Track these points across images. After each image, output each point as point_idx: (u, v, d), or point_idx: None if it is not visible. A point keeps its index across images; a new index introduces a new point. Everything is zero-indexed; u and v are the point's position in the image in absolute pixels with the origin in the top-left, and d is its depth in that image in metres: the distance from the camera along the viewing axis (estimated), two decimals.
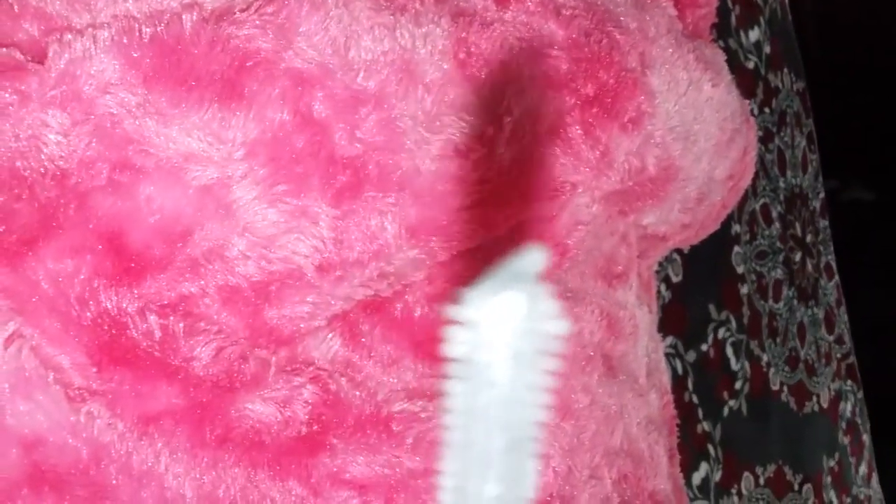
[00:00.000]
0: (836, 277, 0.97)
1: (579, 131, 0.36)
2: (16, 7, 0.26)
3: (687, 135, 0.42)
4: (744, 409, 0.77)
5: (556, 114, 0.36)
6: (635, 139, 0.39)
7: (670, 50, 0.41)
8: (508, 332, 0.11)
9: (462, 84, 0.33)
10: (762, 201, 0.83)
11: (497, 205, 0.35)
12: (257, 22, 0.28)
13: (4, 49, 0.25)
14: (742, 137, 0.49)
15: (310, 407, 0.29)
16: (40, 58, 0.26)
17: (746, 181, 0.53)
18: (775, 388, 0.83)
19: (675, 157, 0.42)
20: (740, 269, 0.78)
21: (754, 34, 0.82)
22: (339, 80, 0.30)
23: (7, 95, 0.25)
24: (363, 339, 0.33)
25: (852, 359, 0.97)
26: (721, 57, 0.47)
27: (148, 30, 0.26)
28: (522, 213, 0.36)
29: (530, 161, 0.35)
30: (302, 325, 0.30)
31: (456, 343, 0.11)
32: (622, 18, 0.40)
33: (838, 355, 0.96)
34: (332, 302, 0.31)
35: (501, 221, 0.35)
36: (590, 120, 0.37)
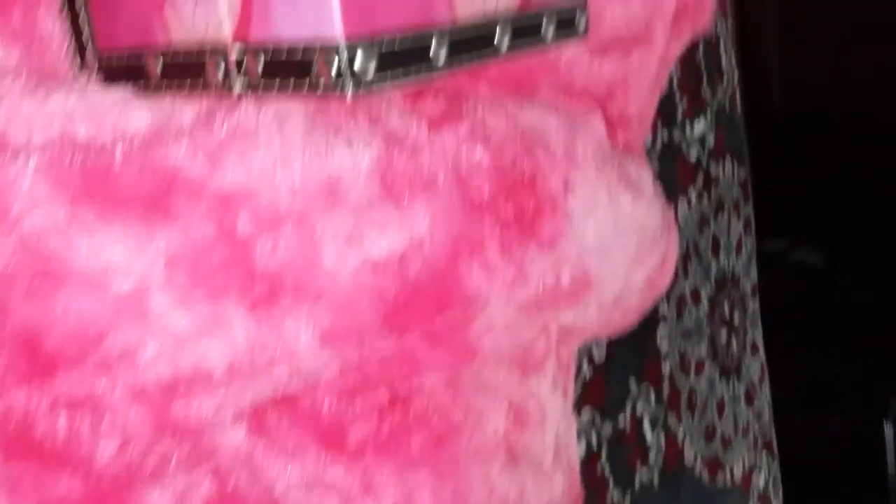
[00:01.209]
0: (761, 354, 1.00)
1: (497, 249, 0.38)
2: None
3: (603, 250, 0.44)
4: (655, 481, 0.79)
5: (475, 233, 0.37)
6: (550, 257, 0.41)
7: (593, 172, 0.43)
8: None
9: (385, 204, 0.35)
10: (692, 283, 0.86)
11: (410, 314, 0.36)
12: (189, 147, 0.29)
13: None
14: (661, 247, 0.51)
15: (205, 500, 0.31)
16: None
17: (664, 286, 0.55)
18: (689, 460, 0.85)
19: (589, 270, 0.44)
20: (664, 348, 0.80)
21: (699, 126, 0.85)
22: (265, 200, 0.31)
23: None
24: (269, 431, 0.35)
25: (770, 433, 1.00)
26: (647, 173, 0.49)
27: (79, 156, 0.27)
28: (435, 321, 0.38)
29: (446, 276, 0.37)
30: (207, 422, 0.32)
31: None
32: (551, 142, 0.42)
33: (756, 429, 0.99)
34: (240, 400, 0.33)
35: (413, 327, 0.37)
36: (508, 239, 0.38)
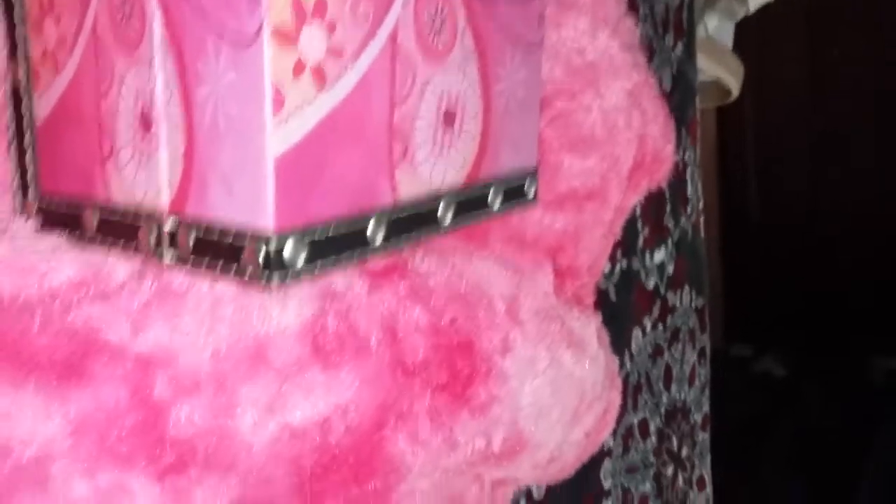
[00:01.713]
0: (708, 490, 1.01)
1: (426, 416, 0.38)
2: None
3: (540, 411, 0.45)
4: None
5: (404, 399, 0.38)
6: (482, 422, 0.41)
7: (534, 331, 0.44)
8: None
9: (314, 366, 0.35)
10: (641, 416, 0.87)
11: (329, 483, 0.36)
12: (113, 308, 0.30)
13: None
14: (602, 402, 0.52)
15: None
16: None
17: (603, 437, 0.56)
18: None
19: (523, 433, 0.44)
20: (607, 484, 0.81)
21: (659, 255, 0.87)
22: (187, 364, 0.31)
23: None
24: None
25: None
26: (591, 327, 0.50)
27: None
28: (355, 489, 0.38)
29: (368, 445, 0.37)
30: None
31: None
32: (494, 301, 0.43)
33: None
34: None
35: (330, 497, 0.37)
36: (438, 406, 0.39)
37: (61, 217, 0.31)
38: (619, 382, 0.55)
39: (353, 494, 0.38)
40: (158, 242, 0.28)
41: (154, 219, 0.28)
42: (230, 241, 0.27)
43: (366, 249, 0.29)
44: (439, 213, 0.33)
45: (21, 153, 0.32)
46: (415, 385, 0.38)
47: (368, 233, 0.29)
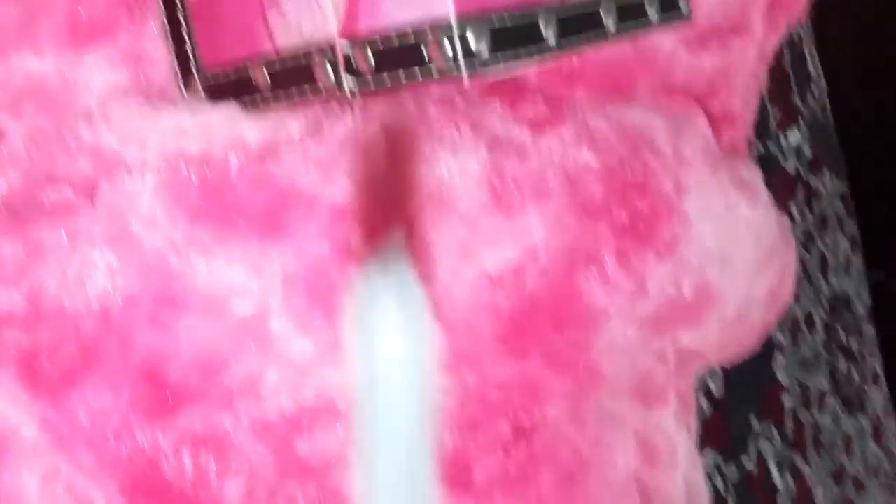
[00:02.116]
0: (884, 385, 0.96)
1: (614, 259, 0.38)
2: (72, 143, 0.29)
3: (724, 258, 0.43)
4: None
5: (590, 241, 0.37)
6: (670, 265, 0.40)
7: (706, 173, 0.43)
8: (393, 312, 0.11)
9: (497, 213, 0.35)
10: (805, 308, 0.83)
11: (529, 333, 0.36)
12: (300, 158, 0.30)
13: (57, 188, 0.27)
14: (781, 256, 0.50)
15: None
16: (92, 194, 0.28)
17: (786, 299, 0.54)
18: None
19: (711, 280, 0.43)
20: (783, 380, 0.78)
21: (794, 137, 0.84)
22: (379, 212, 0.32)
23: (58, 235, 0.27)
24: None
25: None
26: (758, 176, 0.49)
27: (195, 169, 0.28)
28: (555, 340, 0.37)
29: (564, 289, 0.36)
30: (332, 458, 0.32)
31: (357, 374, 0.12)
32: (658, 143, 0.42)
33: (887, 468, 0.94)
34: None
35: (534, 350, 0.37)
36: (625, 247, 0.38)
37: (229, 87, 0.32)
38: (792, 240, 0.53)
39: (554, 347, 0.37)
40: (336, 73, 0.28)
41: (327, 49, 0.28)
42: (411, 42, 0.26)
43: (542, 47, 0.29)
44: (602, 16, 0.33)
45: (178, 35, 0.33)
46: (598, 227, 0.38)
47: (541, 27, 0.29)
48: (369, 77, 0.28)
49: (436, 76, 0.26)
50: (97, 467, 0.27)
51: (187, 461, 0.28)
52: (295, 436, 0.30)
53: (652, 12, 0.36)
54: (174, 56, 0.33)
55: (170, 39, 0.32)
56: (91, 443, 0.27)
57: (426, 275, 0.32)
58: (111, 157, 0.29)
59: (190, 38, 0.31)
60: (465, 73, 0.26)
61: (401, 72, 0.27)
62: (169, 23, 0.32)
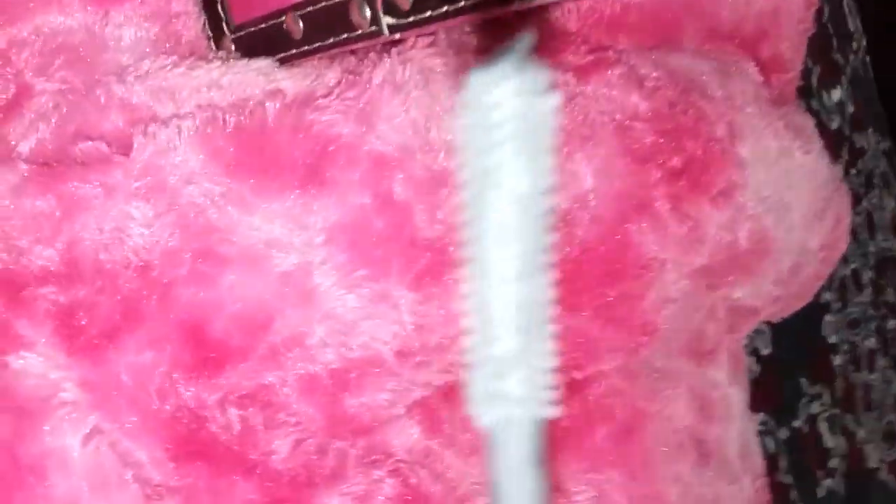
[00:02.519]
0: None
1: (667, 206, 0.35)
2: (103, 99, 0.27)
3: (780, 205, 0.40)
4: (841, 488, 0.73)
5: (642, 188, 0.35)
6: (726, 212, 0.37)
7: (758, 118, 0.40)
8: (509, 118, 0.09)
9: None
10: (852, 266, 0.80)
11: (581, 284, 0.34)
12: (339, 107, 0.28)
13: (91, 143, 0.26)
14: (835, 205, 0.47)
15: (390, 502, 0.28)
16: (125, 149, 0.26)
17: (840, 251, 0.50)
18: (873, 465, 0.78)
19: (768, 228, 0.40)
20: (832, 339, 0.74)
21: (836, 94, 0.80)
22: (420, 162, 0.29)
23: (92, 189, 0.25)
24: (443, 427, 0.32)
25: None
26: (811, 123, 0.45)
27: (231, 119, 0.26)
28: (607, 292, 0.35)
29: (615, 237, 0.34)
30: (381, 414, 0.30)
31: (461, 139, 0.10)
32: (708, 87, 0.39)
33: None
34: (412, 389, 0.30)
35: (585, 301, 0.34)
36: (678, 194, 0.35)
37: (262, 40, 0.30)
38: (845, 190, 0.50)
39: (606, 298, 0.35)
40: (373, 14, 0.26)
41: None
42: None
43: None
44: None
45: None
46: (650, 172, 0.35)
47: None
48: (410, 17, 0.25)
49: (482, 7, 0.24)
50: (141, 426, 0.25)
51: (234, 418, 0.26)
52: (342, 391, 0.28)
53: None
54: (204, 13, 0.31)
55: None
56: (133, 401, 0.25)
57: None
58: (144, 112, 0.27)
59: None
60: (515, 4, 0.23)
61: (443, 6, 0.25)
62: None
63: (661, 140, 0.35)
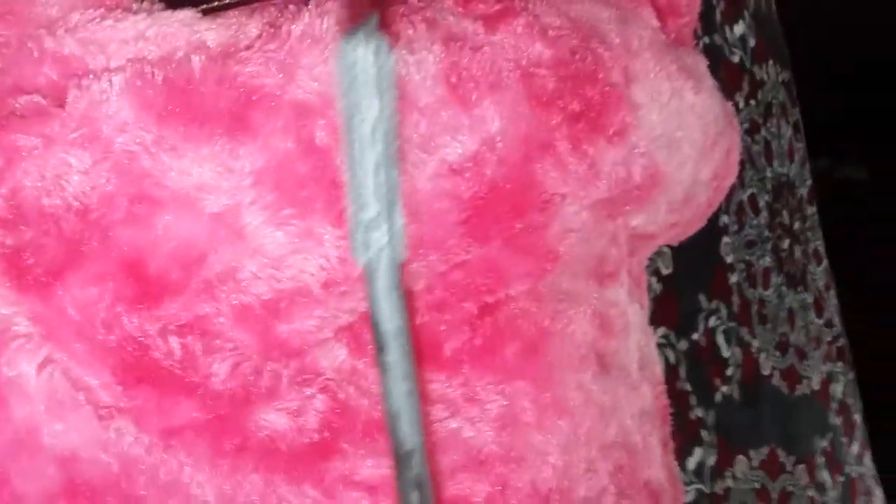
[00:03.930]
0: (825, 262, 0.99)
1: (567, 146, 0.38)
2: (35, 52, 0.28)
3: (671, 142, 0.44)
4: (736, 394, 0.79)
5: (544, 130, 0.37)
6: (620, 150, 0.41)
7: (652, 62, 0.43)
8: (368, 74, 0.15)
9: (454, 106, 0.35)
10: (749, 191, 0.85)
11: (490, 218, 0.37)
12: (261, 59, 0.30)
13: (28, 96, 0.27)
14: (725, 139, 0.51)
15: (321, 415, 0.31)
16: (60, 100, 0.28)
17: (731, 180, 0.55)
18: (766, 372, 0.85)
19: (659, 164, 0.44)
20: (729, 259, 0.80)
21: (739, 28, 0.84)
22: (338, 108, 0.31)
23: (32, 139, 0.26)
24: (368, 349, 0.35)
25: (842, 341, 0.99)
26: (703, 63, 0.49)
27: (159, 72, 0.28)
28: (514, 224, 0.38)
29: (520, 175, 0.37)
30: (310, 338, 0.32)
31: (336, 84, 0.16)
32: (606, 34, 0.41)
33: (828, 338, 0.98)
34: (338, 315, 0.33)
35: (494, 234, 0.37)
36: (577, 135, 0.38)
37: None
38: (736, 124, 0.54)
39: (513, 230, 0.38)
40: None
41: None
42: None
43: None
44: None
45: None
46: (551, 115, 0.38)
47: None
48: None
49: None
50: (89, 355, 0.28)
51: (175, 345, 0.28)
52: (274, 319, 0.31)
53: None
54: None
55: None
56: (81, 333, 0.27)
57: None
58: (75, 65, 0.28)
59: None
60: None
61: None
62: None
63: (563, 86, 0.38)
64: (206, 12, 0.31)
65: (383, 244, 0.16)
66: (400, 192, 0.16)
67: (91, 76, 0.27)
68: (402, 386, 0.17)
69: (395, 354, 0.17)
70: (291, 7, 0.31)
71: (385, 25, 0.34)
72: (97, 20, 0.29)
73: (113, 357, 0.28)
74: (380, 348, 0.16)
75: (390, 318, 0.16)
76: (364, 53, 0.15)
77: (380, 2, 0.29)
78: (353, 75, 0.15)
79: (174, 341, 0.28)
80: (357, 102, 0.15)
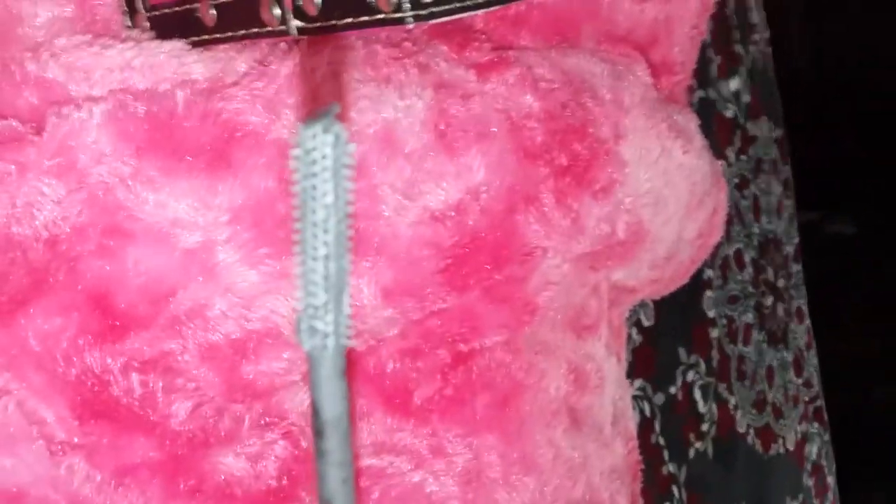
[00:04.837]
0: (807, 321, 1.00)
1: (552, 199, 0.38)
2: (17, 75, 0.28)
3: (657, 200, 0.44)
4: (710, 451, 0.79)
5: (530, 182, 0.38)
6: (606, 206, 0.41)
7: (643, 120, 0.43)
8: (325, 162, 0.15)
9: (441, 153, 0.35)
10: (736, 247, 0.85)
11: (469, 268, 0.37)
12: (247, 96, 0.30)
13: (5, 121, 0.27)
14: (712, 199, 0.51)
15: (280, 462, 0.31)
16: (39, 126, 0.28)
17: (715, 239, 0.55)
18: (742, 430, 0.85)
19: (644, 221, 0.44)
20: (711, 314, 0.80)
21: (734, 83, 0.85)
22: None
23: (6, 166, 0.26)
24: None
25: (820, 402, 1.00)
26: (694, 122, 0.49)
27: (142, 105, 0.27)
28: (494, 275, 0.38)
29: (503, 227, 0.37)
30: (277, 380, 0.32)
31: (295, 167, 0.16)
32: (598, 89, 0.42)
33: (806, 398, 0.98)
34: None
35: (473, 283, 0.37)
36: (562, 189, 0.38)
37: (176, 24, 0.31)
38: (724, 183, 0.54)
39: (493, 280, 0.38)
40: (283, 15, 0.28)
41: None
42: None
43: None
44: None
45: None
46: (538, 168, 0.38)
47: None
48: (316, 20, 0.27)
49: (381, 21, 0.26)
50: (47, 387, 0.27)
51: (136, 382, 0.28)
52: (241, 359, 0.31)
53: None
54: None
55: None
56: (40, 364, 0.27)
57: (371, 212, 0.33)
58: (57, 91, 0.28)
59: None
60: (410, 20, 0.25)
61: (347, 18, 0.27)
62: None
63: (551, 139, 0.38)
64: (195, 44, 0.31)
65: (328, 332, 0.16)
66: (349, 280, 0.16)
67: (72, 105, 0.27)
68: (338, 473, 0.17)
69: (333, 441, 0.17)
70: (282, 45, 0.31)
71: (376, 69, 0.34)
72: (84, 46, 0.29)
73: (72, 390, 0.27)
74: (318, 434, 0.17)
75: (331, 406, 0.16)
76: (322, 142, 0.15)
77: (342, 90, 0.30)
78: (310, 162, 0.15)
79: (135, 378, 0.28)
80: (312, 189, 0.15)
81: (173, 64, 0.30)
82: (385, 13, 0.26)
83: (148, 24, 0.32)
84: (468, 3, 0.28)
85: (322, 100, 0.30)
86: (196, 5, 0.30)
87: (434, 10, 0.26)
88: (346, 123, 0.30)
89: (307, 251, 0.16)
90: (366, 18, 0.26)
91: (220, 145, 0.29)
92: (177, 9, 0.31)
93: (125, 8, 0.32)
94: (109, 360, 0.28)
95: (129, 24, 0.32)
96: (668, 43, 0.48)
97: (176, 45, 0.31)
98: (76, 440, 0.28)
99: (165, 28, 0.31)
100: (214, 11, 0.30)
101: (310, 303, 0.16)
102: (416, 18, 0.26)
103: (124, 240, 0.28)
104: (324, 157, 0.15)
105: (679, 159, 0.46)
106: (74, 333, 0.27)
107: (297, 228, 0.16)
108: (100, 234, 0.27)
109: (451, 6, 0.27)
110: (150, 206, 0.28)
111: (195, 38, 0.31)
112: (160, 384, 0.29)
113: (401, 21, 0.26)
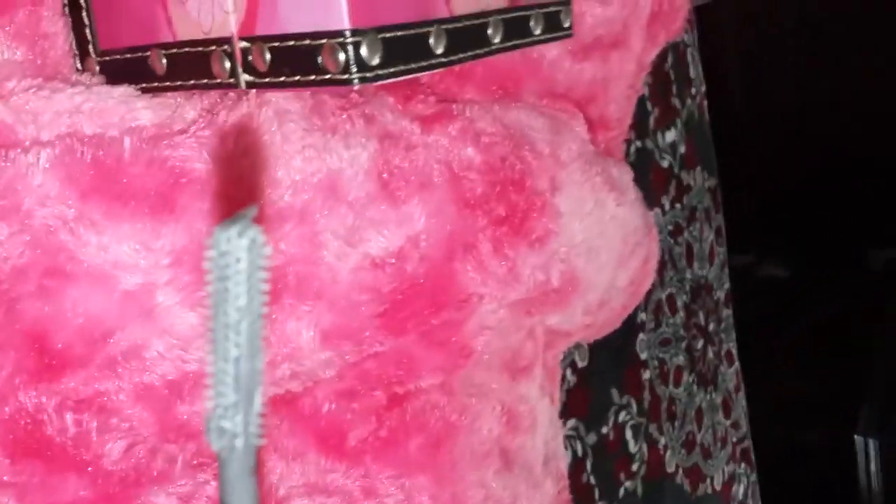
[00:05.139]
0: (737, 364, 1.03)
1: (489, 248, 0.40)
2: None
3: (590, 250, 0.46)
4: (639, 490, 0.81)
5: (468, 231, 0.39)
6: (541, 255, 0.42)
7: (578, 173, 0.45)
8: (239, 266, 0.16)
9: (384, 202, 0.36)
10: (668, 291, 0.88)
11: (407, 312, 0.38)
12: (194, 143, 0.30)
13: None
14: (643, 249, 0.53)
15: (212, 502, 0.31)
16: None
17: (647, 286, 0.57)
18: (671, 470, 0.87)
19: (578, 270, 0.45)
20: (643, 356, 0.83)
21: (671, 135, 0.88)
22: (267, 197, 0.32)
23: None
24: (270, 433, 0.35)
25: (747, 442, 1.03)
26: (628, 175, 0.52)
27: (89, 150, 0.28)
28: (431, 320, 0.39)
29: (441, 273, 0.38)
30: None
31: (210, 270, 0.16)
32: (537, 143, 0.43)
33: (734, 439, 1.01)
34: None
35: (410, 328, 0.38)
36: (500, 238, 0.40)
37: (126, 70, 0.32)
38: (656, 233, 0.57)
39: (429, 326, 0.39)
40: (233, 69, 0.29)
41: (225, 46, 0.29)
42: (305, 49, 0.27)
43: (430, 57, 0.30)
44: (489, 32, 0.34)
45: (77, 15, 0.32)
46: (477, 218, 0.39)
47: (431, 41, 0.30)
48: (265, 76, 0.28)
49: (328, 82, 0.27)
50: None
51: (70, 422, 0.28)
52: (176, 400, 0.31)
53: (537, 29, 0.37)
54: (73, 35, 0.32)
55: (69, 18, 0.31)
56: None
57: (312, 258, 0.33)
58: (5, 133, 0.29)
59: (90, 19, 0.31)
60: (356, 82, 0.27)
61: (296, 75, 0.28)
62: (69, 2, 0.31)
63: (490, 190, 0.40)
64: (145, 90, 0.31)
65: (237, 432, 0.16)
66: (261, 380, 0.17)
67: (19, 149, 0.27)
68: None
69: None
70: (231, 94, 0.32)
71: (323, 118, 0.35)
72: (34, 90, 0.29)
73: (4, 429, 0.27)
74: None
75: None
76: (237, 246, 0.16)
77: (258, 195, 0.31)
78: (225, 264, 0.16)
79: (69, 417, 0.28)
80: (225, 291, 0.16)
81: (122, 110, 0.30)
82: (332, 73, 0.27)
83: (98, 69, 0.32)
84: (412, 65, 0.29)
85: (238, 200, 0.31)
86: (147, 53, 0.31)
87: (380, 72, 0.28)
88: (290, 172, 0.31)
89: (218, 352, 0.16)
90: (313, 78, 0.27)
91: (165, 190, 0.30)
92: (128, 56, 0.31)
93: (76, 51, 0.33)
94: (44, 399, 0.28)
95: (80, 67, 0.33)
96: (605, 100, 0.50)
97: (125, 90, 0.31)
98: (6, 478, 0.28)
99: (116, 74, 0.32)
100: (165, 60, 0.30)
101: (219, 403, 0.16)
102: (362, 80, 0.27)
103: (64, 281, 0.28)
104: (238, 260, 0.16)
105: (612, 211, 0.48)
106: (10, 372, 0.27)
107: (210, 329, 0.17)
108: (40, 275, 0.28)
109: (397, 69, 0.28)
110: (91, 248, 0.28)
111: (145, 85, 0.31)
112: (94, 423, 0.29)
113: (348, 82, 0.27)
